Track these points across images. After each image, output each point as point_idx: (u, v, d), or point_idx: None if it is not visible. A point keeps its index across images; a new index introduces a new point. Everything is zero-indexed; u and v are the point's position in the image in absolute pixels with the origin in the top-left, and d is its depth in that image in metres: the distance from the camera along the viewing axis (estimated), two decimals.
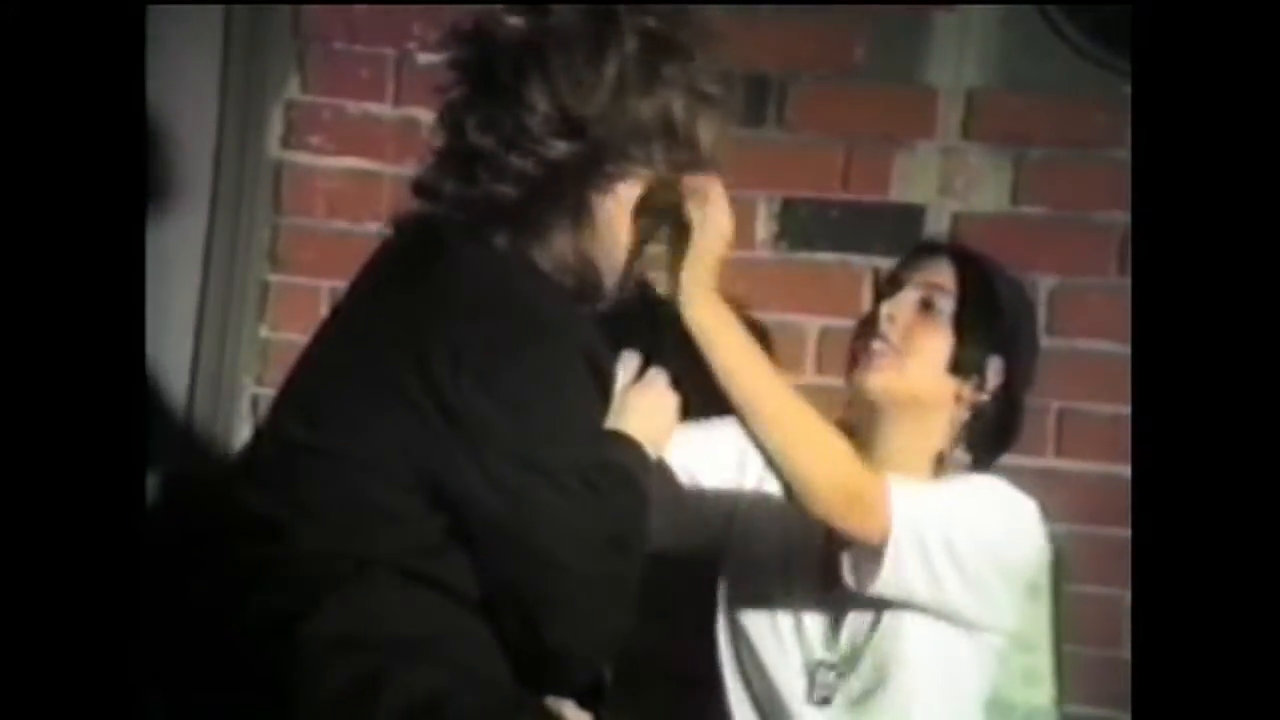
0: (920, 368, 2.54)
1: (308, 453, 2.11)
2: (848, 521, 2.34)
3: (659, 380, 2.28)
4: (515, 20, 2.15)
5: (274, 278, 3.24)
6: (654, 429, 2.25)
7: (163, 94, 3.04)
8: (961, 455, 2.59)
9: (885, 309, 2.55)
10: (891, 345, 2.53)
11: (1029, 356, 2.63)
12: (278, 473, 2.13)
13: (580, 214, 2.16)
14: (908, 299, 2.56)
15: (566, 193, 2.15)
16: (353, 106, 3.24)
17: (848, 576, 2.41)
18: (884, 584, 2.39)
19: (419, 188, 2.21)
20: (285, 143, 3.27)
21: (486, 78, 2.16)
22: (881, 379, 2.54)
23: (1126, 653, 2.28)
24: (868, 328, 2.57)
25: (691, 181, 2.25)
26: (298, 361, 2.26)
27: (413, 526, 2.07)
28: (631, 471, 2.18)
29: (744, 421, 2.31)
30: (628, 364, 2.28)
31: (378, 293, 2.20)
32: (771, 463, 2.35)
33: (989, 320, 2.56)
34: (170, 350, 3.17)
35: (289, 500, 2.09)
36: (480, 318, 2.08)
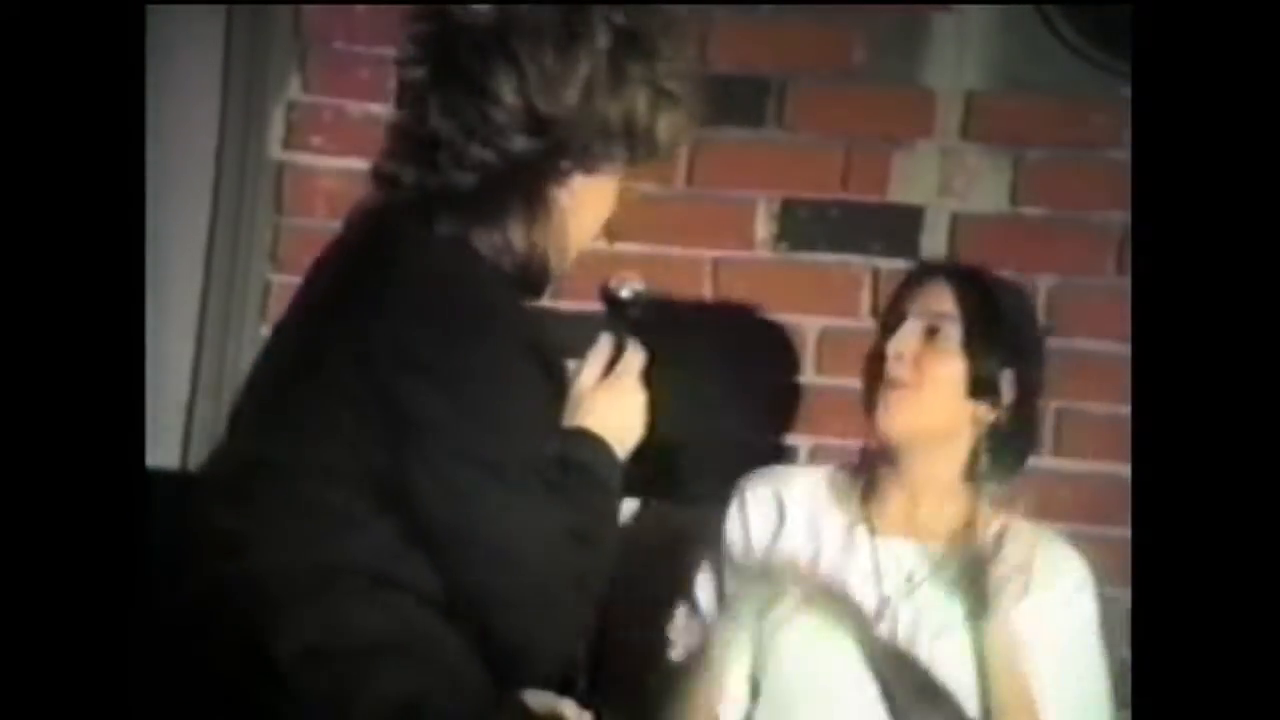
0: (938, 400, 2.53)
1: (263, 462, 2.07)
2: None
3: (626, 378, 2.26)
4: (482, 8, 2.12)
5: (275, 278, 3.24)
6: (620, 427, 2.21)
7: (163, 94, 3.04)
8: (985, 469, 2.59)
9: (892, 347, 2.53)
10: (905, 383, 2.52)
11: (1038, 363, 2.63)
12: (237, 485, 2.09)
13: (536, 206, 2.13)
14: (912, 331, 2.54)
15: (525, 185, 2.12)
16: (354, 107, 3.24)
17: None
18: None
19: (378, 175, 2.18)
20: (286, 143, 3.27)
21: (449, 61, 2.13)
22: (902, 420, 2.53)
23: (1127, 652, 2.27)
24: (877, 364, 2.55)
25: None
26: (251, 370, 2.24)
27: (375, 530, 2.03)
28: (594, 469, 2.14)
29: None
30: (594, 361, 2.27)
31: (324, 292, 2.17)
32: None
33: (997, 337, 2.54)
34: (171, 351, 3.17)
35: (250, 513, 2.06)
36: (420, 310, 2.04)
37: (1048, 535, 2.64)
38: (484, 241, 2.12)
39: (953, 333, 2.53)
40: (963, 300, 2.54)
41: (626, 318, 2.33)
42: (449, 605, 2.04)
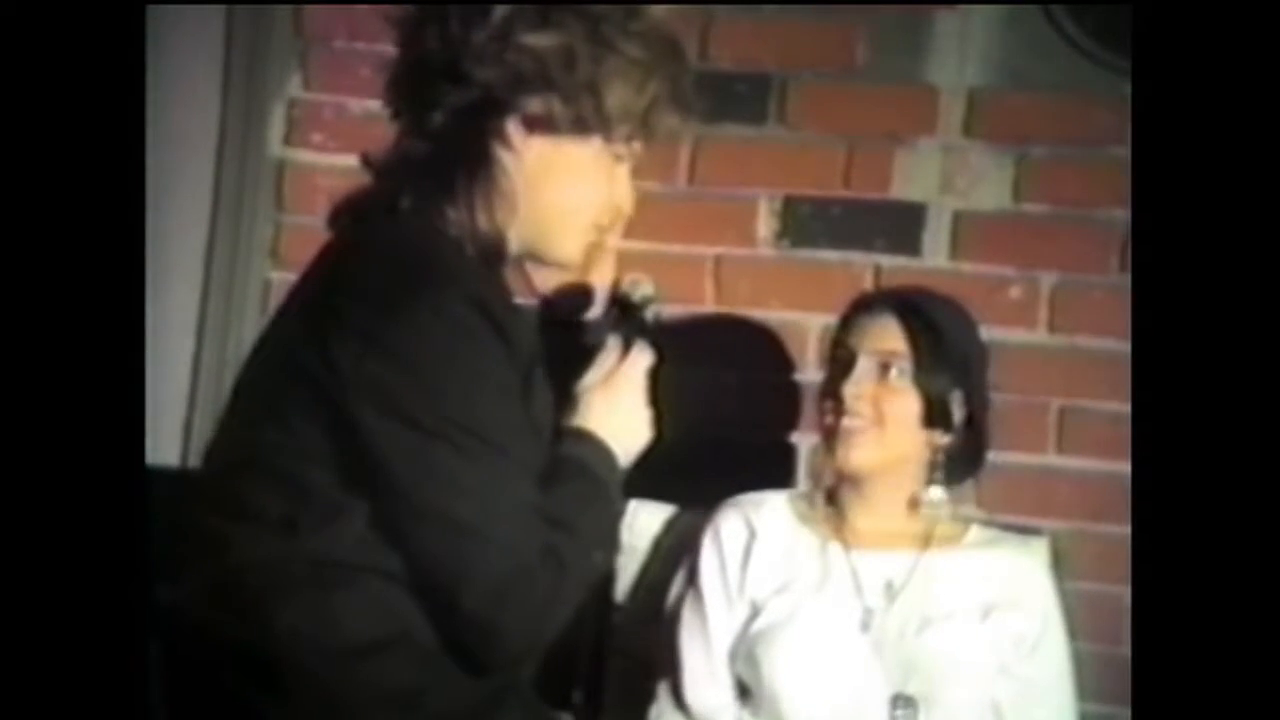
0: (897, 433, 2.61)
1: (247, 453, 2.06)
2: None
3: (630, 379, 2.24)
4: None
5: (276, 275, 3.24)
6: (622, 428, 2.19)
7: (164, 93, 3.04)
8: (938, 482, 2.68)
9: (849, 389, 2.59)
10: (864, 422, 2.60)
11: (984, 378, 2.69)
12: (223, 481, 2.09)
13: (481, 169, 2.11)
14: (866, 372, 2.61)
15: (467, 145, 2.10)
16: (354, 104, 3.24)
17: None
18: None
19: (365, 162, 2.21)
20: (287, 141, 3.28)
21: (407, 46, 2.15)
22: (863, 455, 2.61)
23: (1127, 649, 2.28)
24: (833, 403, 2.62)
25: None
26: (243, 364, 2.24)
27: (357, 517, 2.01)
28: (587, 464, 2.13)
29: None
30: (602, 363, 2.25)
31: (301, 291, 2.17)
32: None
33: (946, 367, 2.62)
34: (172, 349, 3.17)
35: (234, 510, 2.05)
36: (366, 282, 2.03)
37: (1009, 535, 2.76)
38: (439, 213, 2.11)
39: (905, 368, 2.60)
40: (911, 336, 2.61)
41: (637, 320, 2.32)
42: (417, 586, 2.01)
